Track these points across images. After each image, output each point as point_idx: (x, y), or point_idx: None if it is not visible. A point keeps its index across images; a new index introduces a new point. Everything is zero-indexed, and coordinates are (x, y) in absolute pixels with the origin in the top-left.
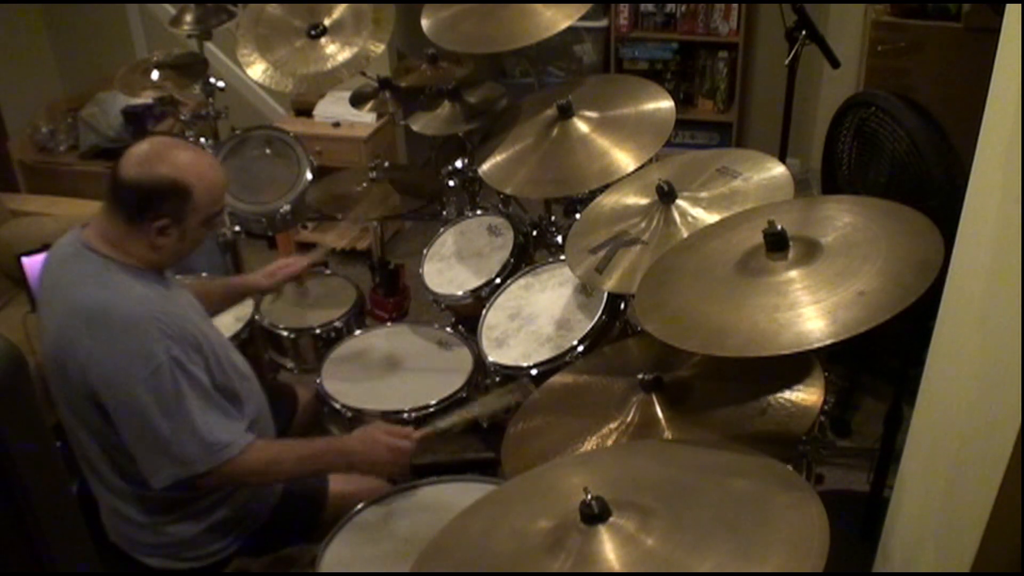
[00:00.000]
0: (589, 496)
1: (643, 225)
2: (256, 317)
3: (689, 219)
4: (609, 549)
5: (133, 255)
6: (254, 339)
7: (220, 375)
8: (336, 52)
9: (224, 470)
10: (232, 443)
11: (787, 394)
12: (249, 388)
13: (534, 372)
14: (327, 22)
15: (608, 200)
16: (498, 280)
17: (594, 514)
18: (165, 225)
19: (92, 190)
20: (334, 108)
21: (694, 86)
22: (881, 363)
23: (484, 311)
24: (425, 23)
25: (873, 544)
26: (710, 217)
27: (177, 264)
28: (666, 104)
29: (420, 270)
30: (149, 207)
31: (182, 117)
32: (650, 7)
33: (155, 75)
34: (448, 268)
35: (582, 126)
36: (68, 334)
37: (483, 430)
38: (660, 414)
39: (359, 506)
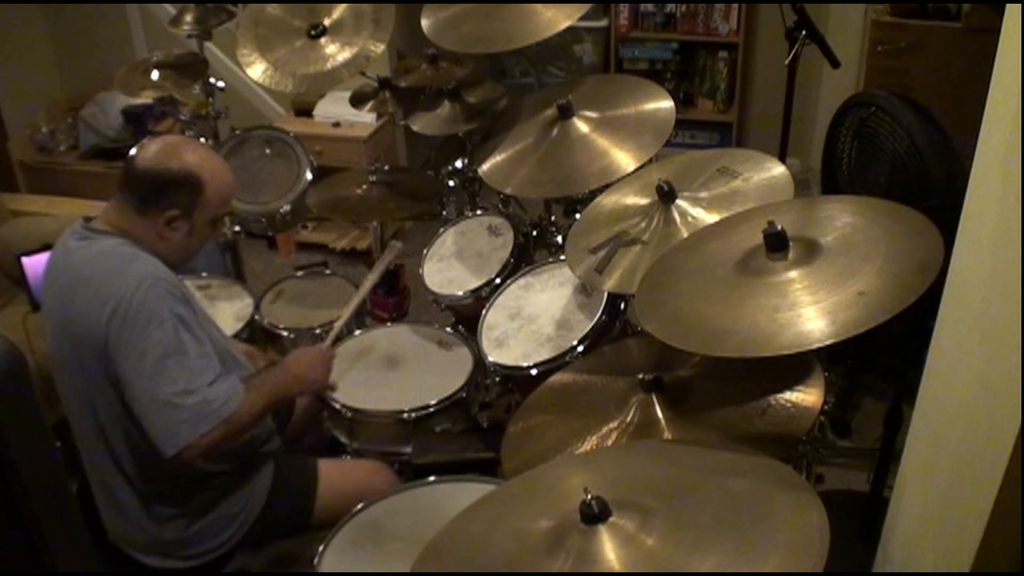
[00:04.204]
0: (589, 496)
1: (643, 225)
2: (256, 317)
3: (689, 219)
4: (609, 549)
5: (142, 243)
6: (254, 339)
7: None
8: (336, 52)
9: (226, 427)
10: (233, 396)
11: (787, 394)
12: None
13: (534, 372)
14: (327, 22)
15: (608, 200)
16: (498, 280)
17: (594, 514)
18: (174, 216)
19: (92, 190)
20: (334, 108)
21: (694, 86)
22: (881, 363)
23: (484, 311)
24: (425, 23)
25: (873, 544)
26: (710, 217)
27: (182, 265)
28: (666, 104)
29: (420, 270)
30: (162, 196)
31: (182, 117)
32: (650, 7)
33: (155, 75)
34: (448, 268)
35: (582, 126)
36: (75, 304)
37: (483, 430)
38: (660, 414)
39: (359, 506)
